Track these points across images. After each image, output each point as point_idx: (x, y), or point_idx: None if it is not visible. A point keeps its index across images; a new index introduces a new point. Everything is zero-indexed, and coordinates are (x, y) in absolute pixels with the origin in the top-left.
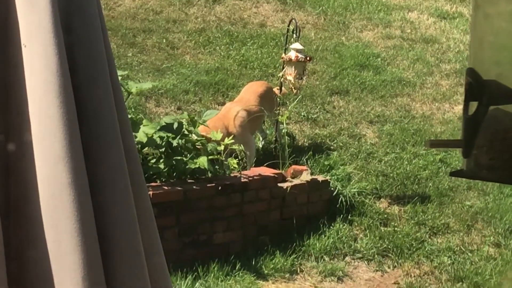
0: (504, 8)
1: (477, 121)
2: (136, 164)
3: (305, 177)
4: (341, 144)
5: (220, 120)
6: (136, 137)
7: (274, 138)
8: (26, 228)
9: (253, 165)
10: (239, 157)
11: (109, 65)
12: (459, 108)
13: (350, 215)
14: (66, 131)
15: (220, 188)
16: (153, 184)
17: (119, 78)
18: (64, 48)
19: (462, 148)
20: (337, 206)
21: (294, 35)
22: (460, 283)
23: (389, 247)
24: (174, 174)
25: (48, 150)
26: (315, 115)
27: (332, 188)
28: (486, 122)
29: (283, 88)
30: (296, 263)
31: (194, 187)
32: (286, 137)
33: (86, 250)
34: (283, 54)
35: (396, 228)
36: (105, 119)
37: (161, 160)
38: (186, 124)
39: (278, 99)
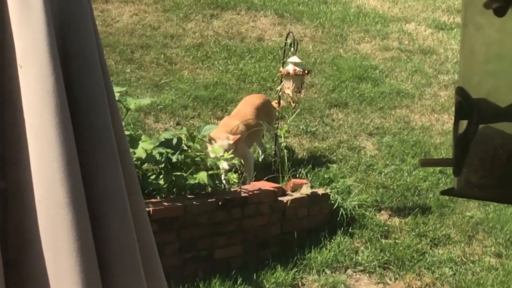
0: (495, 18)
1: (467, 139)
2: (134, 181)
3: (305, 190)
4: (340, 157)
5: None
6: (135, 153)
7: (274, 152)
8: (24, 247)
9: (253, 180)
10: (239, 171)
11: (105, 82)
12: None
13: (351, 228)
14: (63, 150)
15: (220, 203)
16: (153, 200)
17: (118, 94)
18: (60, 68)
19: (452, 167)
20: (338, 219)
21: (292, 49)
22: None
23: (390, 259)
24: (174, 190)
25: (45, 170)
26: (314, 128)
27: (332, 201)
28: (476, 141)
29: (282, 101)
30: (298, 276)
31: (194, 202)
32: (285, 150)
33: (85, 269)
34: (281, 68)
35: (397, 240)
36: (102, 137)
37: (161, 176)
38: (185, 139)
39: (277, 113)
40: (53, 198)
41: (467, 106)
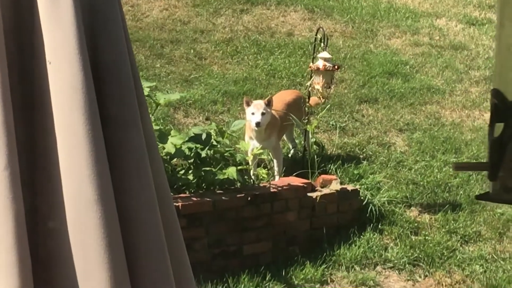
0: None
1: (503, 143)
2: (161, 176)
3: (335, 186)
4: (370, 153)
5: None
6: (164, 148)
7: (303, 148)
8: (53, 244)
9: (282, 175)
10: (268, 167)
11: (133, 80)
12: (489, 115)
13: (380, 224)
14: (91, 148)
15: (249, 198)
16: (182, 195)
17: (147, 89)
18: (89, 64)
19: (488, 171)
20: (367, 215)
21: (322, 44)
22: None
23: (420, 256)
24: (203, 185)
25: (73, 167)
26: (344, 124)
27: (362, 197)
28: None
29: (315, 98)
30: (327, 273)
31: (223, 198)
32: (315, 146)
33: (113, 266)
34: (311, 63)
35: (427, 237)
36: (130, 135)
37: (190, 171)
38: (214, 134)
39: (307, 109)
40: (82, 196)
41: (504, 109)
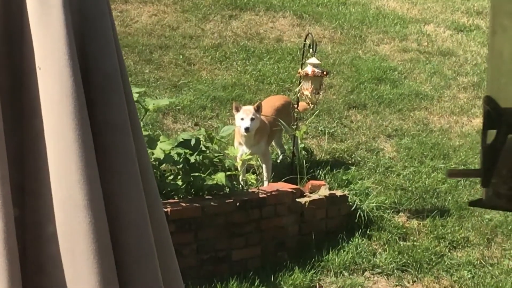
0: None
1: (496, 150)
2: (151, 181)
3: (323, 192)
4: (359, 159)
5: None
6: (153, 154)
7: (292, 153)
8: (42, 249)
9: (271, 181)
10: (257, 172)
11: (123, 86)
12: (477, 121)
13: (368, 229)
14: (81, 153)
15: (238, 204)
16: (171, 200)
17: (136, 95)
18: (79, 70)
19: (481, 177)
20: (356, 221)
21: (311, 50)
22: None
23: (409, 261)
24: (192, 190)
25: (63, 172)
26: (333, 130)
27: (350, 203)
28: (505, 151)
29: (303, 103)
30: (315, 278)
31: (212, 203)
32: (304, 152)
33: (102, 271)
34: (300, 69)
35: (415, 243)
36: (120, 140)
37: (179, 177)
38: (203, 140)
39: (296, 114)
40: (71, 200)
41: (496, 116)
